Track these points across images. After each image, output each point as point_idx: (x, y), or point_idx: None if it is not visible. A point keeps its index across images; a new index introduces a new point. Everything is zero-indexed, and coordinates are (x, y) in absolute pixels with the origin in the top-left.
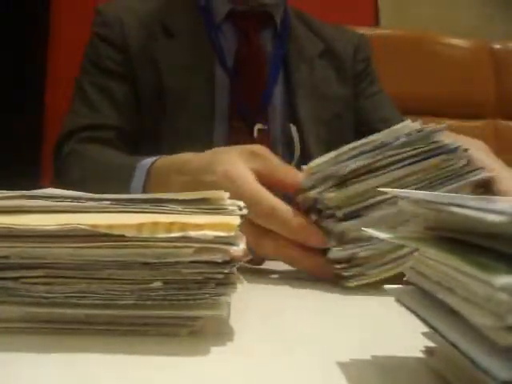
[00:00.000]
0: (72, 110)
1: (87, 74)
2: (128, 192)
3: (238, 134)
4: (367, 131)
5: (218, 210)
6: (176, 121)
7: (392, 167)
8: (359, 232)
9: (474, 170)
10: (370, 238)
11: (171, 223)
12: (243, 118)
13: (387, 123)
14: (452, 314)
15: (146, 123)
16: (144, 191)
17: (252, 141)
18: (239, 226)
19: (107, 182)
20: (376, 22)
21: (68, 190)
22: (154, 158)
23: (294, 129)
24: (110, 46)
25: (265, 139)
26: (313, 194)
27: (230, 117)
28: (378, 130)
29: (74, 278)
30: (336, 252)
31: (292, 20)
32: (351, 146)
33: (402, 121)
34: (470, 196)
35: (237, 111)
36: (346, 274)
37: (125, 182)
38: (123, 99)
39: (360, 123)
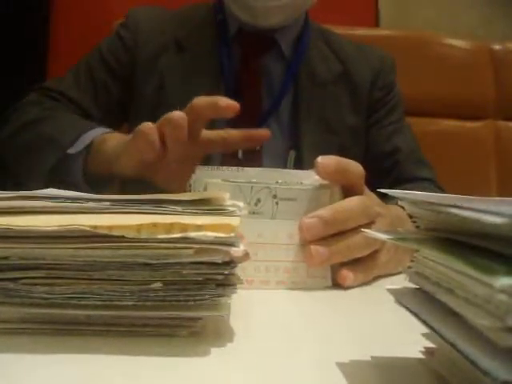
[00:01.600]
0: (63, 76)
1: (90, 57)
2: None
3: (230, 154)
4: (372, 166)
5: (218, 210)
6: None
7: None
8: None
9: None
10: None
11: (171, 224)
12: None
13: (394, 156)
14: (452, 314)
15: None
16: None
17: (238, 161)
18: None
19: (67, 122)
20: (376, 23)
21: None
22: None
23: (292, 156)
24: (121, 47)
25: (255, 160)
26: None
27: None
28: (384, 167)
29: (74, 278)
30: None
31: (312, 39)
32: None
33: (414, 152)
34: (469, 197)
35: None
36: None
37: (86, 127)
38: (106, 94)
39: (367, 155)
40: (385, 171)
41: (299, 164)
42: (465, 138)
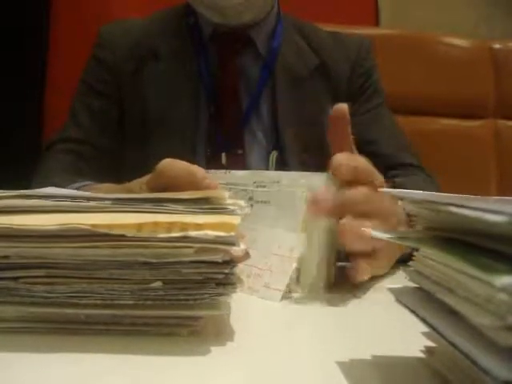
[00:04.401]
0: (64, 125)
1: (79, 94)
2: None
3: (214, 159)
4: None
5: (219, 209)
6: (159, 146)
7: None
8: None
9: None
10: None
11: (172, 223)
12: (219, 143)
13: (373, 146)
14: (452, 313)
15: (131, 149)
16: None
17: (221, 166)
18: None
19: None
20: (376, 22)
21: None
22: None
23: (274, 156)
24: (103, 68)
25: (238, 164)
26: None
27: (209, 141)
28: (366, 154)
29: (74, 277)
30: None
31: (286, 34)
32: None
33: (394, 138)
34: (469, 196)
35: (215, 136)
36: None
37: None
38: (107, 119)
39: None
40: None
41: (282, 164)
42: (465, 138)
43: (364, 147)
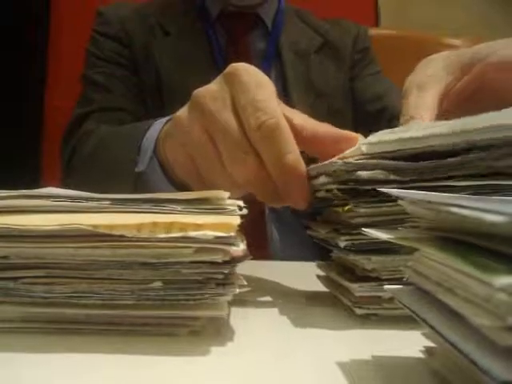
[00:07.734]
0: (82, 99)
1: (94, 67)
2: (140, 144)
3: None
4: (360, 114)
5: (218, 209)
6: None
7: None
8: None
9: None
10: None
11: (171, 223)
12: None
13: (380, 101)
14: (452, 314)
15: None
16: (158, 136)
17: None
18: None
19: (121, 141)
20: (376, 22)
21: (78, 169)
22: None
23: None
24: (112, 41)
25: None
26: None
27: None
28: (370, 112)
29: (73, 278)
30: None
31: (288, 16)
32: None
33: (396, 94)
34: (469, 196)
35: None
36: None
37: (140, 133)
38: (131, 86)
39: (354, 106)
40: (376, 115)
41: None
42: None
43: (371, 105)
